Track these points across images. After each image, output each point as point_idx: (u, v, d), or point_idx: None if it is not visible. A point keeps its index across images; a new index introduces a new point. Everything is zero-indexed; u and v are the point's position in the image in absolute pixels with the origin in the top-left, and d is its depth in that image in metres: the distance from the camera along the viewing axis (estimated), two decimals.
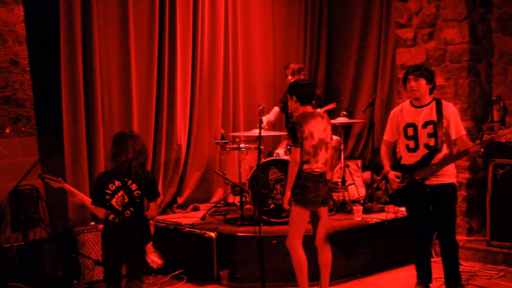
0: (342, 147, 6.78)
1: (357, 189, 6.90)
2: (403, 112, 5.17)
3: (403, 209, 6.48)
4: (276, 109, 7.14)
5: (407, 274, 5.82)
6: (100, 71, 6.36)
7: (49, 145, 6.29)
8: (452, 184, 5.03)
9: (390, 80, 7.72)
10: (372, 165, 7.17)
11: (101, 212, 4.73)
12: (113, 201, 4.66)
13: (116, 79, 6.53)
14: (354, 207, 6.25)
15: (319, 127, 4.93)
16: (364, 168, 7.67)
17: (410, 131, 5.07)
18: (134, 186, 4.64)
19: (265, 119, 6.68)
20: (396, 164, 5.25)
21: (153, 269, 6.17)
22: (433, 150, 4.98)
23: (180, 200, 7.12)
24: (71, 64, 6.10)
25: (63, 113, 6.08)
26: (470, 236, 6.53)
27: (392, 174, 5.16)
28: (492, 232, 6.11)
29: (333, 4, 8.50)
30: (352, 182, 6.83)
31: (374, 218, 6.23)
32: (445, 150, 5.00)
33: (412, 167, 5.06)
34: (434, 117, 4.98)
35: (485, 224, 6.26)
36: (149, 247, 6.27)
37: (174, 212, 7.00)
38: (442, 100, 5.11)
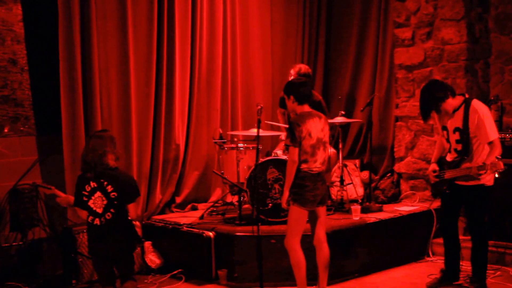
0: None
1: (355, 188, 6.91)
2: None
3: (401, 209, 6.56)
4: (281, 111, 7.09)
5: (405, 274, 5.84)
6: (99, 70, 6.36)
7: (48, 144, 6.30)
8: (481, 186, 5.09)
9: (388, 79, 7.73)
10: (370, 164, 7.19)
11: (83, 214, 4.74)
12: (90, 203, 4.64)
13: (115, 78, 6.53)
14: (352, 207, 6.26)
15: (317, 127, 4.94)
16: (362, 168, 7.69)
17: (445, 134, 5.26)
18: (109, 188, 4.61)
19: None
20: (442, 157, 5.40)
21: (152, 269, 6.19)
22: (461, 156, 5.12)
23: (178, 199, 7.13)
24: (69, 64, 6.10)
25: (61, 112, 6.08)
26: (466, 236, 6.53)
27: (431, 167, 5.38)
28: (489, 232, 6.12)
29: (332, 4, 8.50)
30: (350, 182, 6.84)
31: (372, 217, 6.25)
32: (476, 155, 5.06)
33: (448, 164, 5.25)
34: (460, 124, 5.07)
35: None
36: (148, 246, 6.29)
37: (173, 212, 7.01)
38: (472, 102, 5.07)
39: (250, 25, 7.88)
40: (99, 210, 4.60)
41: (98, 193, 4.62)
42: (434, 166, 5.35)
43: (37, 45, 6.31)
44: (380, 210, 6.56)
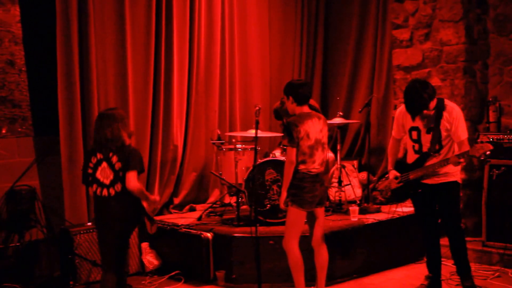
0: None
1: (353, 189, 6.91)
2: (407, 113, 5.14)
3: (399, 209, 6.54)
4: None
5: (403, 275, 5.83)
6: (96, 71, 6.35)
7: (45, 145, 6.28)
8: (454, 183, 5.11)
9: (386, 80, 7.73)
10: (368, 165, 7.18)
11: (91, 191, 4.73)
12: (97, 174, 4.63)
13: (113, 79, 6.52)
14: (350, 208, 6.25)
15: (315, 128, 4.93)
16: (360, 169, 7.69)
17: (415, 135, 5.13)
18: (115, 158, 4.59)
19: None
20: (400, 162, 5.34)
21: (150, 270, 6.17)
22: (426, 154, 5.07)
23: (176, 200, 7.12)
24: (67, 65, 6.09)
25: (59, 113, 6.07)
26: (465, 237, 6.52)
27: (392, 174, 5.28)
28: (488, 233, 6.13)
29: (330, 4, 8.51)
30: (349, 183, 6.83)
31: (370, 218, 6.24)
32: (447, 153, 5.03)
33: (409, 167, 5.17)
34: (433, 123, 5.01)
35: (480, 225, 6.27)
36: (146, 247, 6.27)
37: (171, 213, 7.00)
38: (446, 102, 5.06)
39: (248, 26, 7.88)
40: (106, 181, 4.58)
41: (104, 164, 4.61)
42: (394, 173, 5.25)
43: (35, 46, 6.30)
44: (378, 211, 6.56)
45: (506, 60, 6.65)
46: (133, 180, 4.61)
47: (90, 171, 4.65)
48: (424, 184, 5.14)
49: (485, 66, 6.79)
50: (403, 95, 5.15)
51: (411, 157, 5.21)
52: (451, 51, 6.68)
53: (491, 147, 4.72)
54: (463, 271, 5.21)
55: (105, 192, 4.60)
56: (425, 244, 5.40)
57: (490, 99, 6.61)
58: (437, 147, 5.04)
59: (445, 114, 5.01)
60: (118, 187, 4.59)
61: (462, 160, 4.85)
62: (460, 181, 5.20)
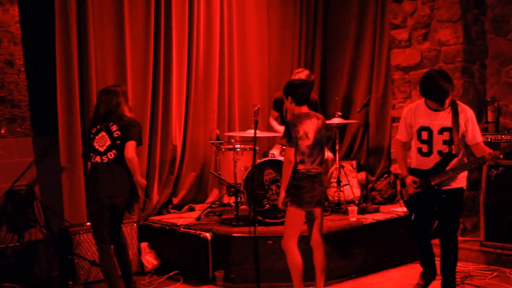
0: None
1: (352, 189, 6.92)
2: (416, 113, 4.95)
3: (398, 209, 6.55)
4: (275, 114, 7.07)
5: (402, 275, 5.84)
6: (96, 71, 6.36)
7: (44, 145, 6.28)
8: (461, 189, 4.96)
9: (385, 81, 7.74)
10: (367, 165, 7.19)
11: (89, 164, 4.88)
12: (95, 142, 4.76)
13: (112, 79, 6.52)
14: (349, 208, 6.26)
15: (314, 128, 4.93)
16: (359, 169, 7.69)
17: (425, 135, 4.89)
18: (114, 127, 4.67)
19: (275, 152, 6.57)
20: (411, 169, 5.06)
21: (149, 270, 6.18)
22: (449, 156, 4.83)
23: (175, 200, 7.12)
24: (66, 64, 6.10)
25: (58, 113, 6.07)
26: (463, 237, 6.55)
27: (409, 179, 4.99)
28: (486, 233, 6.13)
29: (328, 5, 8.52)
30: (347, 183, 6.84)
31: (369, 218, 6.25)
32: (460, 155, 4.87)
33: (427, 172, 4.91)
34: (450, 123, 4.80)
35: (478, 225, 6.29)
36: (145, 247, 6.28)
37: (170, 213, 7.00)
38: (458, 103, 4.92)
39: (247, 26, 7.89)
40: (101, 149, 4.66)
41: (102, 133, 4.75)
42: (412, 178, 4.96)
43: (34, 46, 6.31)
44: (377, 211, 6.57)
45: (504, 60, 6.66)
46: (131, 150, 4.78)
47: (90, 141, 4.72)
48: (442, 191, 4.89)
49: (483, 66, 6.81)
50: (422, 86, 4.83)
51: (418, 161, 4.97)
52: (449, 51, 6.69)
53: None
54: (451, 275, 5.02)
55: (97, 158, 4.68)
56: (418, 244, 5.25)
57: (488, 99, 6.62)
58: (447, 149, 4.81)
59: (460, 113, 4.83)
60: (111, 154, 4.67)
61: (502, 156, 4.63)
62: (465, 187, 5.02)
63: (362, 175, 7.34)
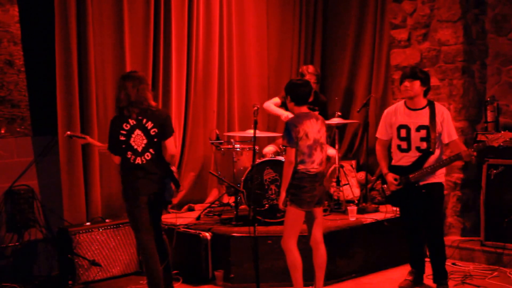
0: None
1: (351, 189, 6.91)
2: (397, 112, 5.34)
3: (397, 209, 6.55)
4: (277, 100, 7.04)
5: (401, 274, 5.83)
6: (95, 71, 6.36)
7: (44, 145, 6.28)
8: (439, 184, 5.26)
9: (384, 80, 7.73)
10: (366, 165, 7.19)
11: (116, 159, 4.70)
12: (131, 141, 4.59)
13: (111, 79, 6.52)
14: (348, 208, 6.26)
15: (314, 128, 4.94)
16: (358, 169, 7.68)
17: (403, 133, 5.25)
18: (149, 124, 4.54)
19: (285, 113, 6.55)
20: (392, 166, 5.40)
21: None
22: (427, 153, 5.16)
23: (175, 200, 7.11)
24: (66, 65, 6.10)
25: (57, 113, 6.07)
26: (464, 236, 6.55)
27: (390, 177, 5.32)
28: (486, 232, 6.14)
29: (328, 5, 8.51)
30: (347, 183, 6.84)
31: (369, 218, 6.25)
32: (437, 153, 5.20)
33: (406, 169, 5.23)
34: (427, 122, 5.15)
35: (479, 224, 6.28)
36: None
37: (169, 213, 6.99)
38: (436, 103, 5.26)
39: (246, 26, 7.88)
40: (139, 149, 4.56)
41: (137, 131, 4.58)
42: (393, 175, 5.31)
43: (33, 46, 6.30)
44: (376, 210, 6.57)
45: (505, 60, 6.66)
46: (173, 146, 4.75)
47: (122, 138, 4.58)
48: (420, 186, 5.22)
49: (483, 66, 6.80)
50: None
51: (398, 157, 5.31)
52: (449, 51, 6.69)
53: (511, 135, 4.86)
54: (441, 270, 5.30)
55: (138, 160, 4.59)
56: (407, 241, 5.52)
57: (488, 99, 6.61)
58: (425, 145, 5.15)
59: (437, 113, 5.16)
60: (149, 155, 4.59)
61: (475, 153, 4.99)
62: (444, 183, 5.34)
63: (362, 174, 7.33)
